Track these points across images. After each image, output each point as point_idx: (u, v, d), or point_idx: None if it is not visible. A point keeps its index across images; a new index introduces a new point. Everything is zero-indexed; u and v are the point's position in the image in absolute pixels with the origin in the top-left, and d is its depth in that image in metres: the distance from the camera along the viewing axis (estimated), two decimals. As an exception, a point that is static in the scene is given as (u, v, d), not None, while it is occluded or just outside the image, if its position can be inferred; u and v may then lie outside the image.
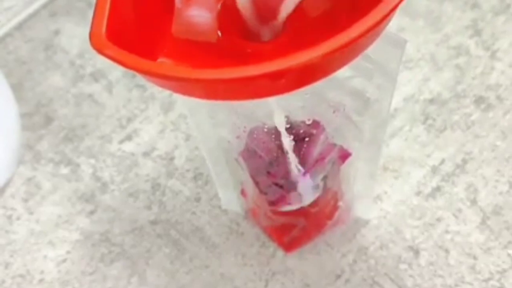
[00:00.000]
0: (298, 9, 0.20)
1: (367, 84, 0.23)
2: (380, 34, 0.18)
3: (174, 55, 0.19)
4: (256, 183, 0.26)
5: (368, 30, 0.16)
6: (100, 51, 0.17)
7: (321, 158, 0.24)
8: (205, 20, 0.20)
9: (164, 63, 0.19)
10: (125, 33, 0.18)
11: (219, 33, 0.20)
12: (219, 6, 0.20)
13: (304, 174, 0.24)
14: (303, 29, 0.20)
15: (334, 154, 0.25)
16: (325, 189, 0.26)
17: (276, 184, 0.25)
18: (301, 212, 0.27)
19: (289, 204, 0.26)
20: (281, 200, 0.26)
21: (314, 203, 0.27)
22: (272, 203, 0.26)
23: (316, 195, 0.26)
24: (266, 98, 0.18)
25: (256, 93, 0.18)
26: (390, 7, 0.16)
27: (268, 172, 0.25)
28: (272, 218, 0.28)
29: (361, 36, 0.16)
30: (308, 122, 0.24)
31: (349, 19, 0.16)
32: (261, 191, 0.26)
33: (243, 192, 0.30)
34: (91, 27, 0.17)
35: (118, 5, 0.18)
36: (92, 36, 0.17)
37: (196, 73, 0.16)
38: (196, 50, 0.20)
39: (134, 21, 0.19)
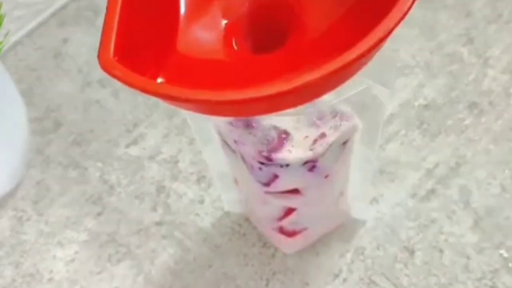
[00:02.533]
0: (300, 25, 0.21)
1: (364, 91, 0.24)
2: (375, 55, 0.18)
3: (181, 71, 0.20)
4: (251, 168, 0.25)
5: (358, 58, 0.16)
6: (108, 72, 0.17)
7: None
8: (210, 38, 0.21)
9: (168, 84, 0.19)
10: (133, 52, 0.18)
11: (225, 49, 0.21)
12: (224, 23, 0.21)
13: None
14: (305, 43, 0.20)
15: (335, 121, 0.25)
16: (324, 173, 0.26)
17: (268, 158, 0.24)
18: (296, 191, 0.27)
19: (281, 156, 0.25)
20: (274, 180, 0.25)
21: (312, 185, 0.26)
22: (266, 184, 0.26)
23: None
24: (266, 115, 0.19)
25: (257, 111, 0.18)
26: (379, 37, 0.16)
27: (260, 152, 0.25)
28: (269, 201, 0.28)
29: (351, 63, 0.16)
30: None
31: (348, 38, 0.17)
32: (255, 176, 0.26)
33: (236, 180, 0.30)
34: (100, 48, 0.17)
35: (126, 25, 0.18)
36: (101, 57, 0.17)
37: (196, 94, 0.17)
38: (202, 66, 0.20)
39: (142, 40, 0.19)
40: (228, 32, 0.21)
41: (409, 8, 0.17)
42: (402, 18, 0.17)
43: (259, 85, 0.16)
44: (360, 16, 0.19)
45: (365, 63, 0.18)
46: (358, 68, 0.18)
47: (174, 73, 0.19)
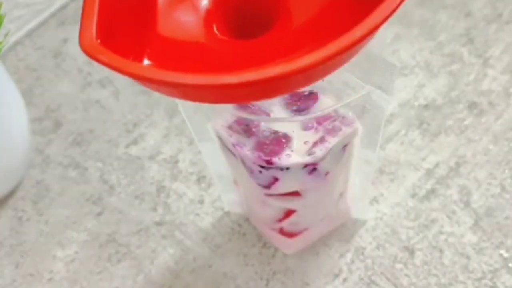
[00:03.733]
0: (286, 12, 0.20)
1: (364, 97, 0.24)
2: (356, 54, 0.18)
3: (163, 54, 0.19)
4: (251, 172, 0.26)
5: (339, 53, 0.16)
6: (93, 56, 0.16)
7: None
8: (190, 22, 0.20)
9: (153, 68, 0.18)
10: (114, 34, 0.17)
11: (206, 34, 0.20)
12: (207, 5, 0.20)
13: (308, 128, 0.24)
14: (288, 32, 0.20)
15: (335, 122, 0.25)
16: (324, 176, 0.26)
17: (268, 162, 0.24)
18: (296, 194, 0.27)
19: (280, 158, 0.24)
20: (274, 182, 0.26)
21: (312, 188, 0.26)
22: (266, 187, 0.26)
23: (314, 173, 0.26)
24: (253, 102, 0.18)
25: (243, 97, 0.18)
26: (359, 35, 0.16)
27: (260, 157, 0.25)
28: (269, 203, 0.28)
29: (335, 55, 0.15)
30: (305, 93, 0.24)
31: (337, 23, 0.16)
32: (255, 179, 0.26)
33: (235, 182, 0.30)
34: (80, 31, 0.16)
35: (105, 5, 0.17)
36: (82, 41, 0.16)
37: (180, 77, 0.16)
38: (185, 49, 0.20)
39: (121, 21, 0.18)
40: (208, 17, 0.20)
41: None
42: None
43: (255, 68, 0.16)
44: (349, 1, 0.18)
45: (364, 45, 0.18)
46: (358, 50, 0.17)
47: (156, 56, 0.18)
